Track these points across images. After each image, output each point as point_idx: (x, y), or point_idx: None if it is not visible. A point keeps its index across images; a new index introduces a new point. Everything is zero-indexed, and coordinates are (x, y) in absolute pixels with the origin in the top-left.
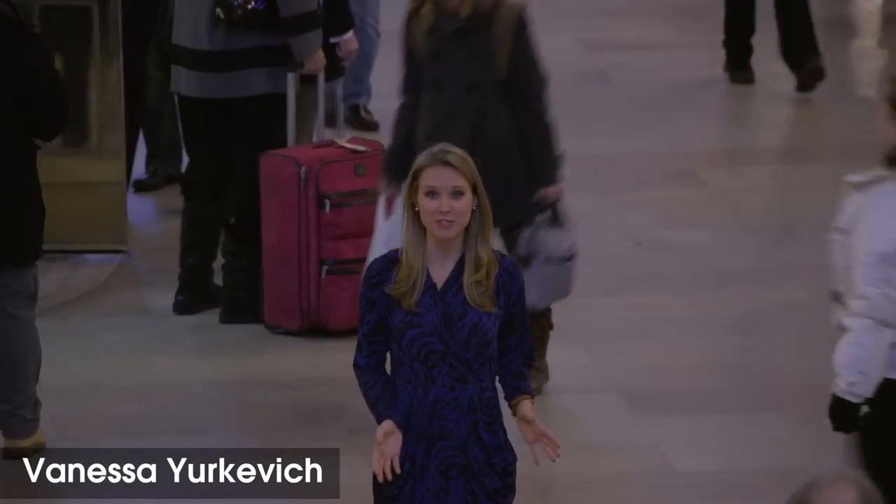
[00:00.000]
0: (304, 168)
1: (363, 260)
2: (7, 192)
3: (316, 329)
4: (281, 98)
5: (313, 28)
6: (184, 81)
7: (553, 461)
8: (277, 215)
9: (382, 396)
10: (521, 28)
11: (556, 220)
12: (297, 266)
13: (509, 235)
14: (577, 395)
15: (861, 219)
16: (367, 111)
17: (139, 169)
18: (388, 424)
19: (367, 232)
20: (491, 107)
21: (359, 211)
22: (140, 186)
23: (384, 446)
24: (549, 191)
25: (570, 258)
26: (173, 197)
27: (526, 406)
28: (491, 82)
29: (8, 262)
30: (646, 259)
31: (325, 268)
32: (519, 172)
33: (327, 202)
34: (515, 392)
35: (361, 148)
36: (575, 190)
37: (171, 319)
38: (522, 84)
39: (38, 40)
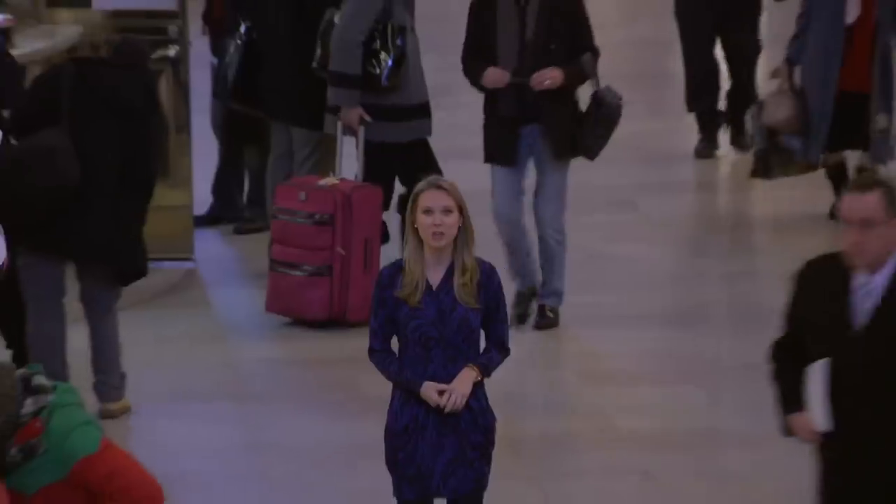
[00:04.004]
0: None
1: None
2: (136, 230)
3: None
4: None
5: (347, 87)
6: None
7: (443, 407)
8: None
9: (402, 370)
10: None
11: None
12: None
13: None
14: (540, 371)
15: None
16: None
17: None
18: (428, 384)
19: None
20: None
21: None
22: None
23: (447, 393)
24: None
25: None
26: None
27: (467, 371)
28: None
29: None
30: (596, 267)
31: None
32: None
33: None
34: (475, 361)
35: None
36: None
37: (227, 312)
38: None
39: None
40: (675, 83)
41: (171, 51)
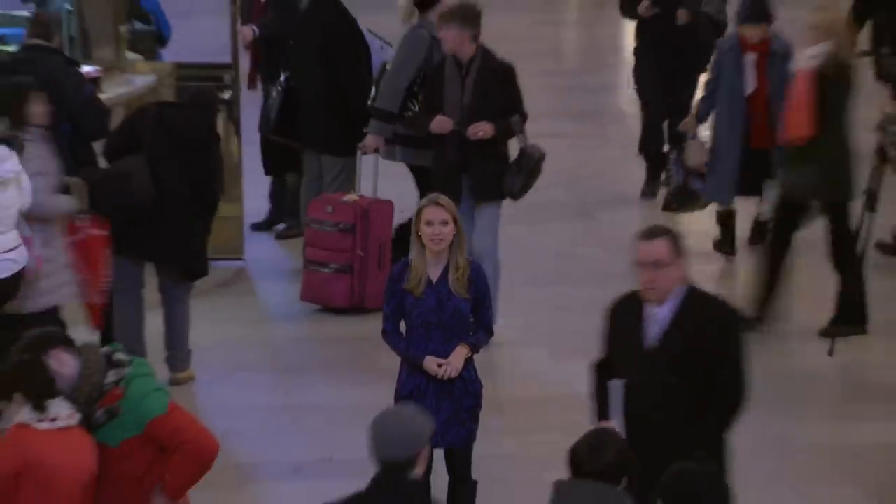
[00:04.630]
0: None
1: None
2: (202, 238)
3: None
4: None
5: (384, 121)
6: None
7: (441, 377)
8: None
9: (408, 347)
10: None
11: None
12: None
13: None
14: (517, 348)
15: None
16: None
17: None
18: (429, 358)
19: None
20: None
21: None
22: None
23: (444, 365)
24: None
25: None
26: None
27: (460, 348)
28: None
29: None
30: (562, 264)
31: None
32: None
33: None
34: (466, 340)
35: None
36: (516, 223)
37: (269, 301)
38: None
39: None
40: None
41: (226, 94)
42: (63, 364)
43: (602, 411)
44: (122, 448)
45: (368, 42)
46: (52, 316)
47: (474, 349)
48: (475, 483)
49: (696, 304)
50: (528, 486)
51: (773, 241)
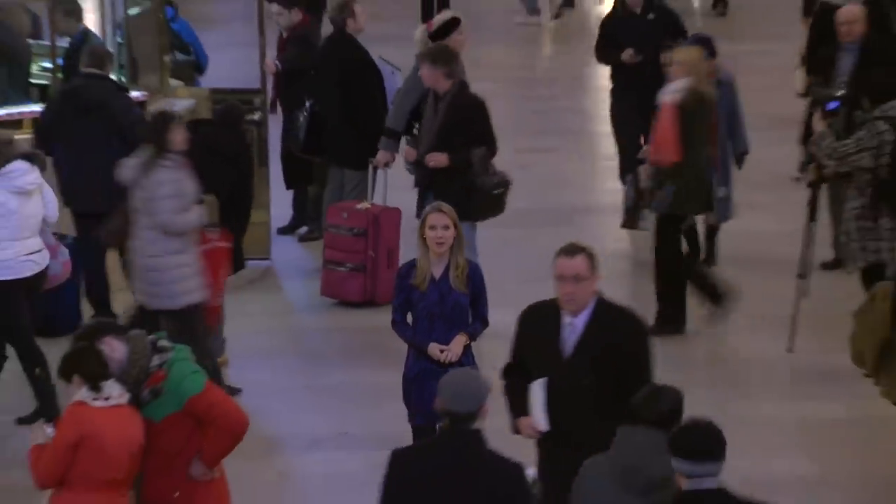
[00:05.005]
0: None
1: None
2: (238, 239)
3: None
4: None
5: (391, 138)
6: None
7: (443, 361)
8: None
9: (414, 335)
10: None
11: None
12: None
13: None
14: (509, 337)
15: None
16: None
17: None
18: (433, 345)
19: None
20: None
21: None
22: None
23: (445, 351)
24: None
25: None
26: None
27: (459, 337)
28: None
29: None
30: (547, 264)
31: None
32: None
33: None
34: (465, 330)
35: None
36: (510, 227)
37: (293, 295)
38: None
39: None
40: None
41: (256, 115)
42: (114, 350)
43: (517, 409)
44: (164, 422)
45: (380, 68)
46: (191, 312)
47: (472, 337)
48: None
49: (607, 314)
50: (516, 456)
51: (658, 250)
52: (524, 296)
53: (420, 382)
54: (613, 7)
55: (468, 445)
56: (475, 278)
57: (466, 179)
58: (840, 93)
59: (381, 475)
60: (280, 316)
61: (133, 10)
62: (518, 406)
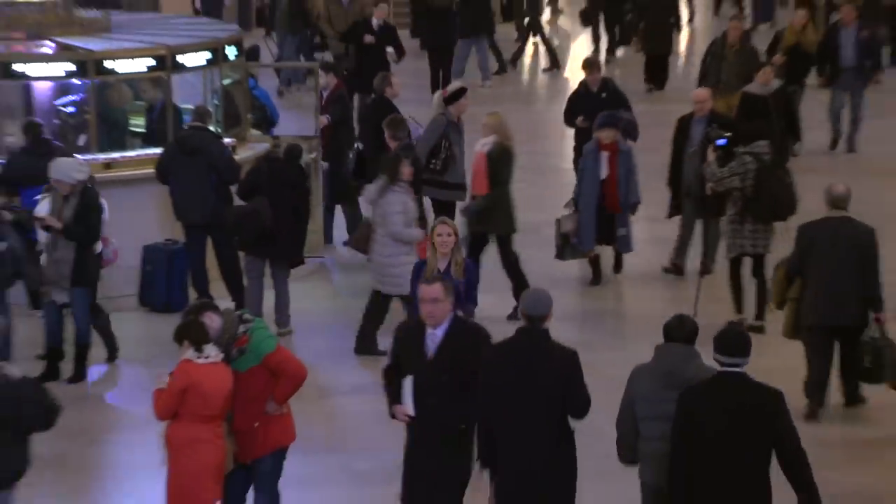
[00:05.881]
0: None
1: None
2: (301, 243)
3: None
4: None
5: None
6: None
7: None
8: None
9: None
10: None
11: None
12: None
13: None
14: (490, 313)
15: None
16: None
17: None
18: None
19: None
20: None
21: None
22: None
23: None
24: None
25: None
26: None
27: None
28: None
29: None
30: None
31: None
32: None
33: None
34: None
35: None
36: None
37: (341, 284)
38: None
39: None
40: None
41: (312, 154)
42: (213, 321)
43: (393, 399)
44: (247, 373)
45: (409, 125)
46: (407, 297)
47: (469, 314)
48: None
49: (459, 328)
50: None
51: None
52: (500, 285)
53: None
54: (579, 86)
55: (541, 338)
56: (469, 271)
57: None
58: (727, 134)
59: None
60: (331, 298)
61: (226, 81)
62: (394, 396)
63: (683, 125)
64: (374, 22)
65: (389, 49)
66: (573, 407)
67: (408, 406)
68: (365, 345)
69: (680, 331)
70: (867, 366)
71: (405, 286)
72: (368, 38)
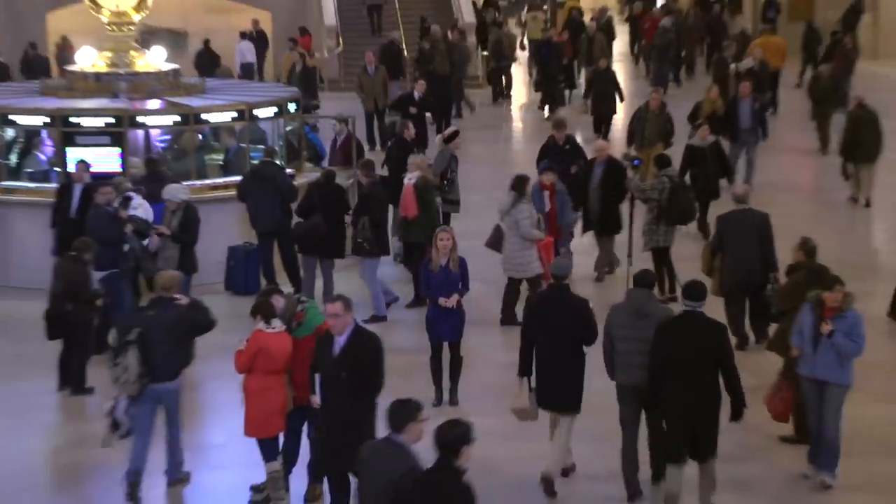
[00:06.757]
0: None
1: None
2: (342, 243)
3: None
4: None
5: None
6: None
7: (447, 307)
8: None
9: (430, 293)
10: None
11: None
12: None
13: None
14: (476, 295)
15: None
16: None
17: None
18: (441, 298)
19: None
20: None
21: None
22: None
23: (446, 302)
24: None
25: None
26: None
27: (454, 295)
28: None
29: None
30: (488, 263)
31: None
32: None
33: None
34: (458, 291)
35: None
36: (471, 239)
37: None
38: None
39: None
40: None
41: (350, 179)
42: (278, 302)
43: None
44: (303, 340)
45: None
46: (537, 277)
47: (461, 295)
48: (462, 357)
49: (358, 336)
50: (482, 373)
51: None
52: (480, 279)
53: (436, 320)
54: (548, 139)
55: (565, 291)
56: (463, 267)
57: None
58: (638, 160)
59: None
60: (363, 285)
61: (288, 128)
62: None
63: (589, 167)
64: (416, 94)
65: (428, 114)
66: (585, 336)
67: (317, 397)
68: (507, 317)
69: (643, 280)
70: (773, 312)
71: (528, 271)
72: (412, 110)
